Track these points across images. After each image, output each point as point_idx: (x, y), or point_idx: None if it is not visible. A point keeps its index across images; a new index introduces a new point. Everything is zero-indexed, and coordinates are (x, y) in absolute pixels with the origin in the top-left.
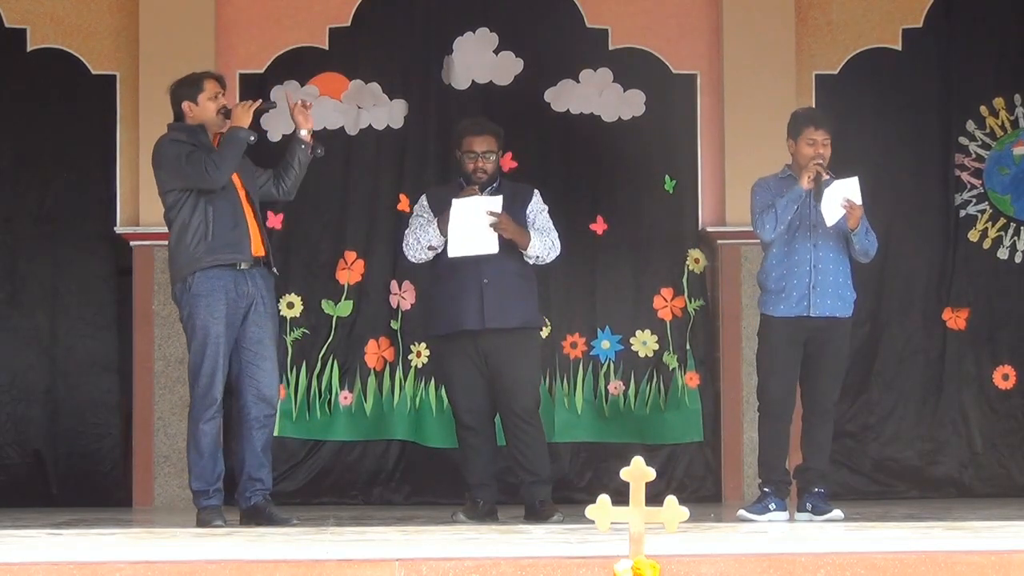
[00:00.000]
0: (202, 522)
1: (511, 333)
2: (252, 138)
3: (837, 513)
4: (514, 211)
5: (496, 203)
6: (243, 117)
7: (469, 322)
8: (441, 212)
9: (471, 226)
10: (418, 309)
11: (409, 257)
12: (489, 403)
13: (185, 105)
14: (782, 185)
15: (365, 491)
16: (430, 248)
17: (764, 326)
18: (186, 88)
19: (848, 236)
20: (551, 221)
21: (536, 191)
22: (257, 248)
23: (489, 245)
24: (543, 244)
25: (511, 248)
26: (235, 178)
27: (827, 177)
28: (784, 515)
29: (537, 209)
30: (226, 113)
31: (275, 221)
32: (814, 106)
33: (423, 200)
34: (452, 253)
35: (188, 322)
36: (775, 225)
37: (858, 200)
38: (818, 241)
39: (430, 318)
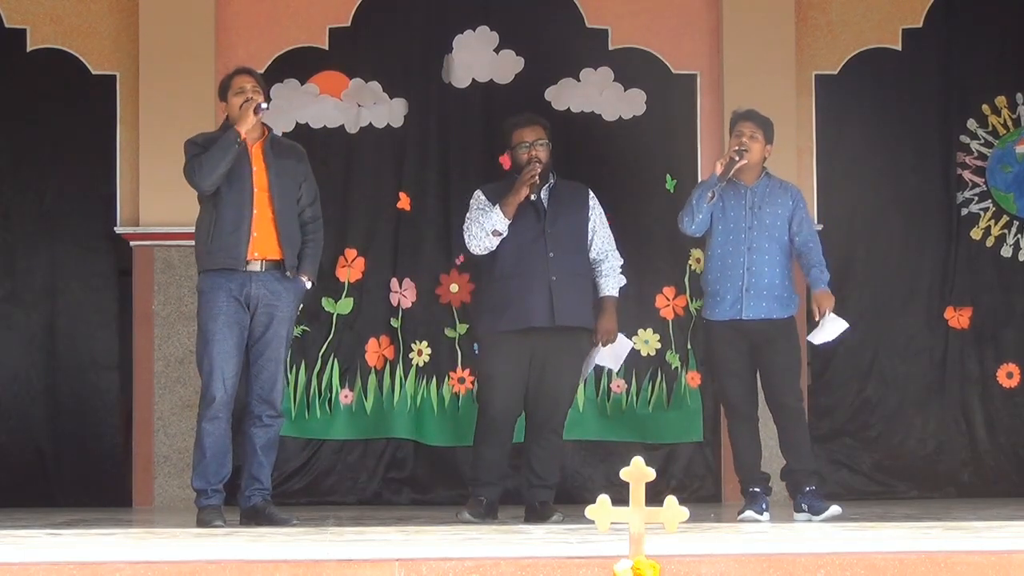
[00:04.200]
0: (202, 522)
1: (569, 333)
2: (238, 140)
3: (835, 509)
4: (571, 211)
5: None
6: (242, 119)
7: (538, 319)
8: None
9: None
10: (419, 307)
11: (473, 248)
12: (520, 403)
13: (222, 107)
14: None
15: (365, 491)
16: (495, 234)
17: (705, 330)
18: (220, 89)
19: (793, 245)
20: (607, 225)
21: (590, 190)
22: (268, 251)
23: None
24: (617, 275)
25: (575, 246)
26: (259, 177)
27: (740, 161)
28: (767, 515)
29: (597, 216)
30: (255, 108)
31: None
32: (812, 107)
33: (479, 195)
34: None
35: (197, 320)
36: (692, 218)
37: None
38: (753, 244)
39: (491, 314)
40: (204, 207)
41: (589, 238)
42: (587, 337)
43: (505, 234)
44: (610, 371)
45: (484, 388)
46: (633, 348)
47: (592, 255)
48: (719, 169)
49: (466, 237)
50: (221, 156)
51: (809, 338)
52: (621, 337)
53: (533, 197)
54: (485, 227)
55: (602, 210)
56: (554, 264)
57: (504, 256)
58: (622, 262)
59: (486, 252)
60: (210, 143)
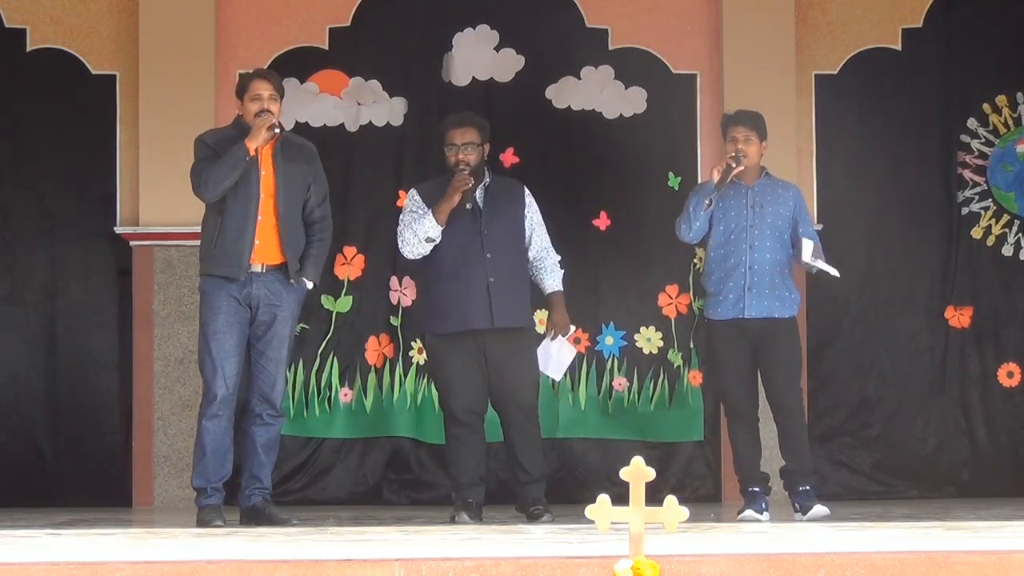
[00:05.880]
0: (201, 522)
1: (513, 333)
2: (248, 157)
3: (820, 509)
4: (507, 210)
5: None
6: (254, 135)
7: (478, 321)
8: (434, 205)
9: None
10: (419, 306)
11: (406, 253)
12: (484, 401)
13: (238, 104)
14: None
15: (365, 490)
16: (428, 240)
17: (707, 329)
18: (238, 88)
19: (795, 242)
20: (543, 222)
21: (525, 187)
22: (270, 257)
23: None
24: (557, 270)
25: (512, 245)
26: (267, 183)
27: (737, 167)
28: (767, 515)
29: (533, 213)
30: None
31: None
32: (812, 107)
33: (414, 196)
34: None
35: (199, 319)
36: (690, 225)
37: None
38: (754, 243)
39: (433, 317)
40: (209, 209)
41: (527, 236)
42: (531, 335)
43: (439, 240)
44: (611, 369)
45: (444, 392)
46: (636, 346)
47: (531, 254)
48: (715, 176)
49: (399, 242)
50: (228, 171)
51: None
52: (565, 344)
53: (468, 206)
54: (419, 234)
55: (537, 207)
56: (491, 265)
57: (441, 258)
58: (559, 258)
59: (418, 257)
60: (220, 144)
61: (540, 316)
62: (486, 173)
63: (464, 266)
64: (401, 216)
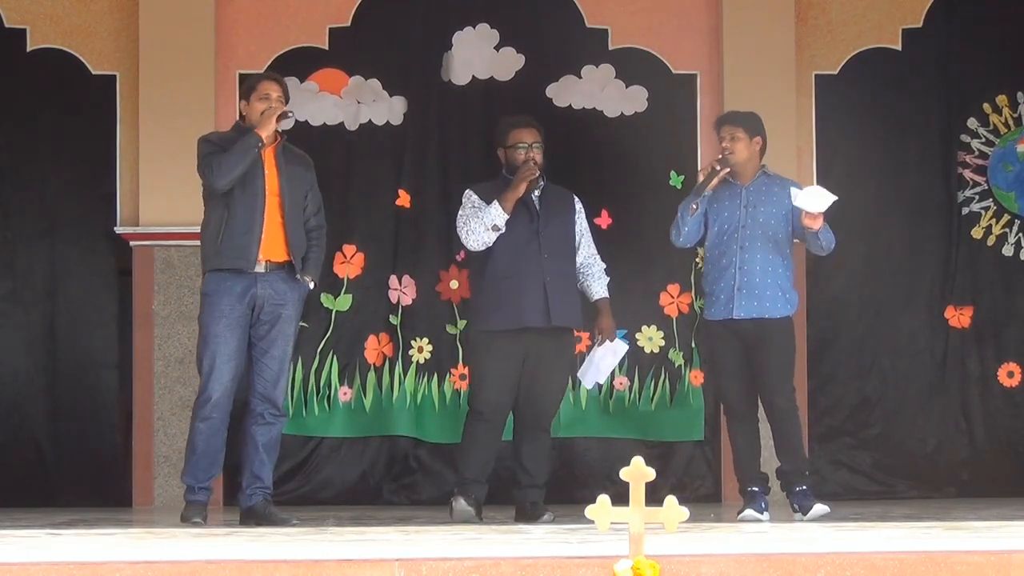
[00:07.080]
0: (183, 517)
1: (560, 333)
2: (260, 144)
3: (820, 508)
4: (561, 215)
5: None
6: (264, 124)
7: (533, 319)
8: (490, 203)
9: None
10: (419, 304)
11: (471, 244)
12: (511, 401)
13: (241, 104)
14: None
15: (365, 490)
16: (494, 228)
17: (705, 330)
18: (243, 88)
19: (801, 236)
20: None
21: (575, 195)
22: (275, 253)
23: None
24: (604, 277)
25: (565, 249)
26: (271, 182)
27: (721, 170)
28: (767, 515)
29: (582, 220)
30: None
31: None
32: (812, 107)
33: (471, 195)
34: (588, 384)
35: (198, 320)
36: (679, 231)
37: (816, 207)
38: (745, 243)
39: (485, 313)
40: (213, 208)
41: (576, 243)
42: (573, 337)
43: (503, 230)
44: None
45: (477, 387)
46: (637, 345)
47: (580, 260)
48: (701, 179)
49: (463, 233)
50: (240, 158)
51: (799, 204)
52: (609, 353)
53: (536, 193)
54: (484, 222)
55: (585, 215)
56: (548, 265)
57: (498, 257)
58: (604, 266)
59: (483, 248)
60: (225, 143)
61: None
62: (542, 177)
63: (521, 265)
64: (460, 213)
